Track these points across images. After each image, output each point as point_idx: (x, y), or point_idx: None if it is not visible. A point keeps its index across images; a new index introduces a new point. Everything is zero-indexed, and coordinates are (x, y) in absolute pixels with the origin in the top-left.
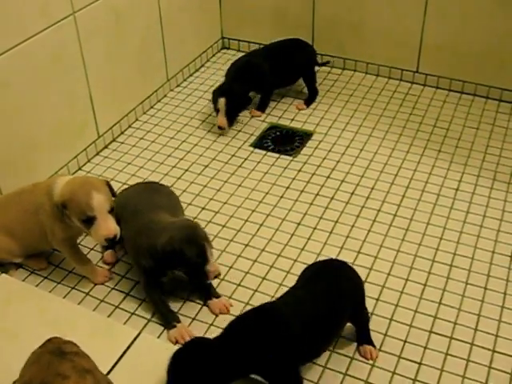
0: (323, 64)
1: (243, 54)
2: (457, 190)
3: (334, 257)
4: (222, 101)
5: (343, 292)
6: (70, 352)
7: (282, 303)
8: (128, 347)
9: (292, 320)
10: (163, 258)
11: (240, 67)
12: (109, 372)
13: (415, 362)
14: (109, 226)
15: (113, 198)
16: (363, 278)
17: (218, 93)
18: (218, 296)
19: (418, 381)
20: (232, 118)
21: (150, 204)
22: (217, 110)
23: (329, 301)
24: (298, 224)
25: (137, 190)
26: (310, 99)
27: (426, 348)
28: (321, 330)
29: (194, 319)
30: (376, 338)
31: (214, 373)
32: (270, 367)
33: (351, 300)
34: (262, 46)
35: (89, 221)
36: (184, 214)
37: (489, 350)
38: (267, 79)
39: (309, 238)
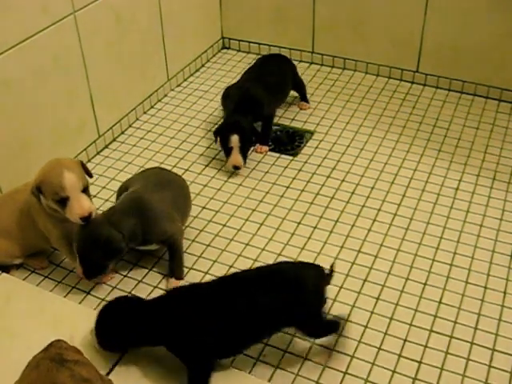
0: None
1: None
2: (457, 189)
3: (334, 256)
4: (235, 138)
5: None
6: (71, 360)
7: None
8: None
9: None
10: None
11: (240, 98)
12: (110, 371)
13: (415, 360)
14: (82, 205)
15: (88, 178)
16: (363, 277)
17: (228, 128)
18: (179, 278)
19: (418, 379)
20: (245, 154)
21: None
22: (229, 148)
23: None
24: (299, 223)
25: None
26: (304, 96)
27: (426, 347)
28: (239, 327)
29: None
30: (376, 336)
31: (132, 331)
32: (181, 346)
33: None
34: (247, 69)
35: (62, 201)
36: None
37: (489, 348)
38: (268, 105)
39: (309, 238)
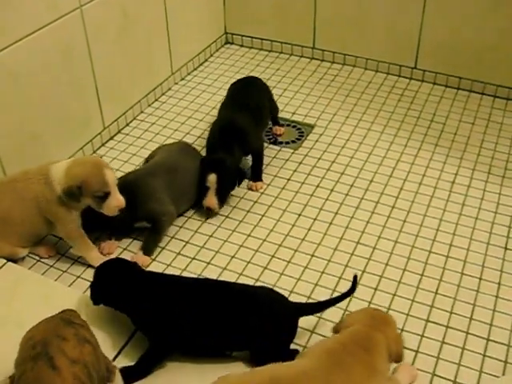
0: None
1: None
2: (453, 183)
3: (333, 247)
4: (212, 178)
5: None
6: (78, 323)
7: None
8: (132, 334)
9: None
10: None
11: (225, 131)
12: (115, 357)
13: (412, 350)
14: (119, 198)
15: None
16: (361, 268)
17: (207, 165)
18: (147, 254)
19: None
20: (223, 196)
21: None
22: (205, 187)
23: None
24: (299, 215)
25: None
26: (276, 120)
27: (422, 336)
28: (207, 330)
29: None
30: None
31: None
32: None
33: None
34: (225, 99)
35: (104, 196)
36: None
37: (483, 338)
38: (255, 135)
39: (309, 229)
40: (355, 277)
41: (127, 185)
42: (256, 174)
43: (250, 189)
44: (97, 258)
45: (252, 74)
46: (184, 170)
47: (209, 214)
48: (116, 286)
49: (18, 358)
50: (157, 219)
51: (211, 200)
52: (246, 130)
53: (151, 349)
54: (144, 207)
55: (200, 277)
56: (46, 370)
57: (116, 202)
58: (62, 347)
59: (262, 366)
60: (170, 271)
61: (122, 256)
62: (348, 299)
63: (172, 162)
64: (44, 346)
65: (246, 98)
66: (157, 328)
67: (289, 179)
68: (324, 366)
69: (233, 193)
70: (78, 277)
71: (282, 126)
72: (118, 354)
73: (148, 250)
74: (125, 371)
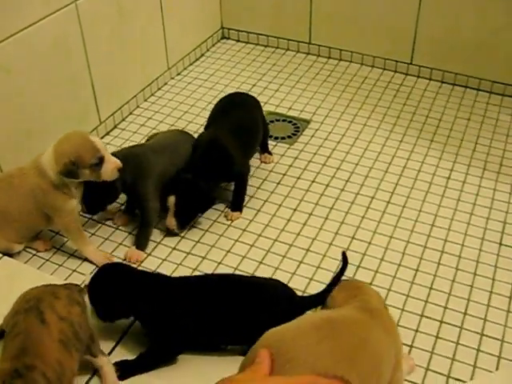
0: None
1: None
2: (448, 178)
3: (329, 242)
4: (171, 200)
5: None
6: (73, 289)
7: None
8: (129, 327)
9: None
10: None
11: (207, 150)
12: (111, 351)
13: (406, 344)
14: (114, 159)
15: None
16: (356, 263)
17: (169, 185)
18: (141, 248)
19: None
20: (184, 220)
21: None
22: (166, 207)
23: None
24: (294, 210)
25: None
26: (265, 146)
27: (417, 331)
28: (211, 318)
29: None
30: None
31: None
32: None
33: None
34: (215, 111)
35: (99, 162)
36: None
37: (477, 333)
38: (239, 160)
39: (304, 224)
40: (343, 253)
41: (131, 156)
42: (235, 203)
43: (226, 218)
44: (93, 251)
45: (248, 69)
46: (184, 151)
47: (169, 233)
48: (121, 297)
49: (11, 310)
50: (145, 204)
51: (169, 221)
52: (230, 152)
53: (156, 348)
54: (140, 184)
55: (200, 273)
56: (36, 322)
57: (112, 163)
58: (53, 304)
59: None
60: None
61: (117, 250)
62: None
63: (173, 143)
64: (37, 302)
65: (237, 116)
66: (166, 328)
67: (284, 174)
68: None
69: (228, 188)
70: (74, 270)
71: (271, 154)
72: (116, 345)
73: (141, 245)
74: (121, 365)
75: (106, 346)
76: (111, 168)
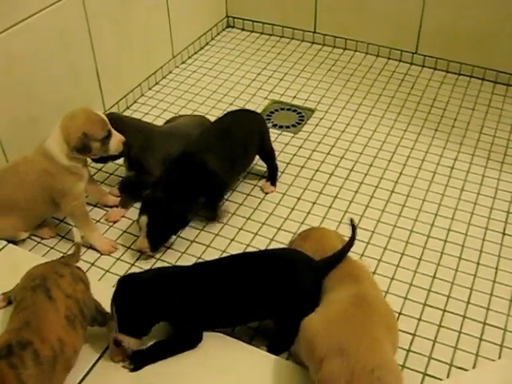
0: None
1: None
2: (452, 168)
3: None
4: (142, 220)
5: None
6: (74, 266)
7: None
8: None
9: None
10: None
11: (188, 165)
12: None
13: (409, 333)
14: (118, 133)
15: None
16: (360, 252)
17: (142, 204)
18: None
19: (412, 351)
20: (157, 241)
21: None
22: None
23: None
24: (298, 199)
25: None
26: (272, 176)
27: (420, 320)
28: (224, 301)
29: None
30: None
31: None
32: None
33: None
34: (216, 121)
35: (108, 135)
36: None
37: (480, 322)
38: (219, 180)
39: (308, 213)
40: (351, 220)
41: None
42: (211, 217)
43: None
44: (99, 238)
45: (253, 58)
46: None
47: (141, 255)
48: (156, 302)
49: (18, 286)
50: None
51: (142, 243)
52: (209, 168)
53: (175, 337)
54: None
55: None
56: (43, 298)
57: (118, 137)
58: (58, 282)
59: (290, 330)
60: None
61: (122, 237)
62: None
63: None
64: (43, 280)
65: (231, 132)
66: (195, 317)
67: (288, 163)
68: None
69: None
70: None
71: (274, 185)
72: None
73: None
74: (136, 355)
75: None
76: (117, 141)
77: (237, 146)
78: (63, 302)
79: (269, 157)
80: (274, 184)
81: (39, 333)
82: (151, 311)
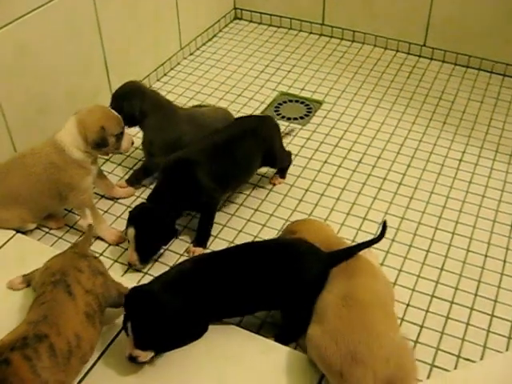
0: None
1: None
2: (460, 160)
3: (340, 222)
4: (130, 233)
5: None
6: (91, 256)
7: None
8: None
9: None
10: None
11: (176, 173)
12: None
13: (417, 324)
14: (130, 134)
15: None
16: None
17: (129, 216)
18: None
19: (420, 342)
20: (146, 253)
21: None
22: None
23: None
24: (306, 190)
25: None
26: (283, 170)
27: (427, 311)
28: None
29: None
30: None
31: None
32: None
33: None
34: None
35: (121, 133)
36: None
37: (488, 314)
38: (211, 190)
39: (316, 204)
40: (384, 222)
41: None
42: (198, 237)
43: (187, 252)
44: (106, 229)
45: (261, 50)
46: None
47: (130, 268)
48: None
49: (37, 282)
50: None
51: (131, 256)
52: (198, 177)
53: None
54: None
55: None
56: (64, 294)
57: (129, 136)
58: (78, 278)
59: (297, 320)
60: None
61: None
62: None
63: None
64: (62, 275)
65: (223, 137)
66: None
67: (296, 155)
68: None
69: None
70: None
71: (284, 177)
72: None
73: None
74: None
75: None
76: (129, 140)
77: (237, 162)
78: (83, 298)
79: (277, 164)
80: (283, 177)
81: (56, 327)
82: (169, 322)
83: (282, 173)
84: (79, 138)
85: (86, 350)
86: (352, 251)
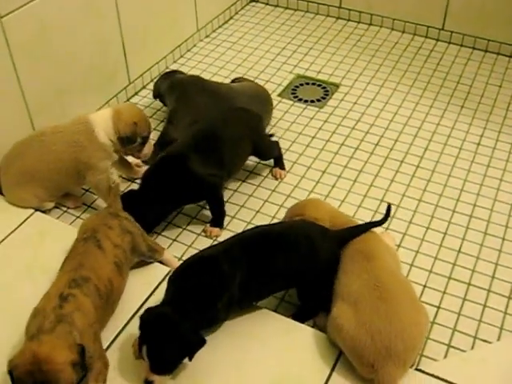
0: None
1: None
2: (478, 144)
3: (357, 204)
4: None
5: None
6: (123, 216)
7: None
8: (160, 283)
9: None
10: None
11: (167, 164)
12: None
13: (434, 305)
14: (151, 145)
15: None
16: (385, 225)
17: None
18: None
19: (437, 323)
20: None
21: None
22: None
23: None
24: (323, 172)
25: None
26: (279, 162)
27: (444, 293)
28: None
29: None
30: None
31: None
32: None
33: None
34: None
35: (147, 137)
36: None
37: (505, 296)
38: (208, 179)
39: (333, 186)
40: (389, 206)
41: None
42: (214, 219)
43: (204, 232)
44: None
45: (277, 33)
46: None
47: None
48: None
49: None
50: None
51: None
52: (194, 171)
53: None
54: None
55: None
56: (94, 247)
57: (151, 143)
58: (107, 234)
59: (310, 299)
60: None
61: None
62: None
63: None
64: (93, 232)
65: (219, 134)
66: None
67: (313, 137)
68: None
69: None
70: None
71: (284, 169)
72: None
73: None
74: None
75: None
76: (150, 147)
77: (226, 145)
78: (112, 251)
79: (266, 155)
80: (283, 168)
81: (94, 271)
82: (187, 347)
83: (279, 164)
84: (111, 125)
85: (116, 297)
86: (359, 230)
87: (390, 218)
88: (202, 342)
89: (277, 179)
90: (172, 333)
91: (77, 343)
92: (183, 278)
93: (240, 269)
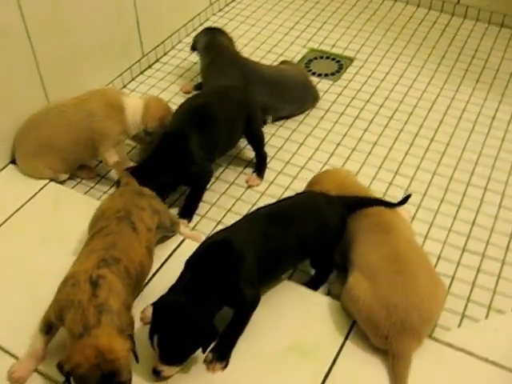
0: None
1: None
2: (493, 118)
3: (372, 175)
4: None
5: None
6: (148, 194)
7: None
8: (174, 250)
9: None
10: None
11: (164, 143)
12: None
13: (448, 275)
14: None
15: None
16: (399, 197)
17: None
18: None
19: (450, 293)
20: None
21: None
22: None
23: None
24: (338, 144)
25: None
26: (260, 166)
27: (458, 264)
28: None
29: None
30: None
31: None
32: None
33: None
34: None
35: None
36: None
37: None
38: (200, 161)
39: (348, 158)
40: (408, 196)
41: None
42: (185, 209)
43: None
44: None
45: (291, 7)
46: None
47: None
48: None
49: (94, 217)
50: None
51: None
52: (189, 147)
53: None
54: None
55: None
56: (129, 229)
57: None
58: (141, 216)
59: (324, 265)
60: None
61: None
62: None
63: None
64: (127, 213)
65: (213, 111)
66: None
67: (328, 110)
68: None
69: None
70: None
71: (262, 177)
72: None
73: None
74: (216, 348)
75: None
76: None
77: (220, 125)
78: (145, 235)
79: (256, 142)
80: (260, 175)
81: (126, 254)
82: (199, 338)
83: (259, 170)
84: (140, 115)
85: (144, 277)
86: (367, 202)
87: (404, 191)
88: (215, 334)
89: (247, 184)
90: (186, 325)
91: (123, 330)
92: (198, 265)
93: (253, 250)
